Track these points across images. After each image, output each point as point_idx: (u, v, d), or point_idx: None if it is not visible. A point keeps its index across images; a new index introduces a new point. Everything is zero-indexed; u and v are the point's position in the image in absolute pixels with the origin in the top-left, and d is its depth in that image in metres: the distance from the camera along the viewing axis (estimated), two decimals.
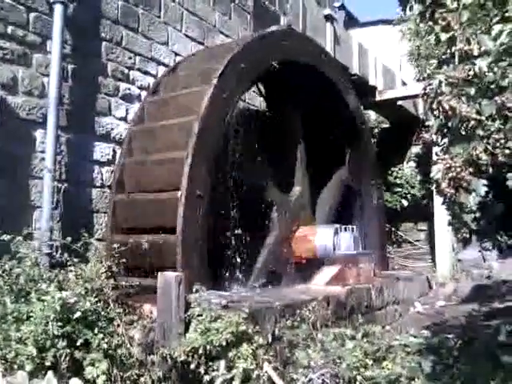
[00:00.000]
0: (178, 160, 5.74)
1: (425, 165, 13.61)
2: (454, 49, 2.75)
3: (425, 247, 14.45)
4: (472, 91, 2.67)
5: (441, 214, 10.44)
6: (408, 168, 15.56)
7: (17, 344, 4.02)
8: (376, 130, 15.49)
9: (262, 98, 9.02)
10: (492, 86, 2.63)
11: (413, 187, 14.97)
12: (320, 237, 7.64)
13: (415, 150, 15.61)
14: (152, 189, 6.03)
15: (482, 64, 2.63)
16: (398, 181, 15.01)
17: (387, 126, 15.92)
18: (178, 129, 6.12)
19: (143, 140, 6.54)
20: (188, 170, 5.62)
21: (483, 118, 2.63)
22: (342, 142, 9.05)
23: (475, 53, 2.69)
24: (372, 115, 15.77)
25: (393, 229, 14.63)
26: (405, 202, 14.76)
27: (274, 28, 7.73)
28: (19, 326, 4.13)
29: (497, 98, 2.59)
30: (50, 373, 3.74)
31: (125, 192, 6.32)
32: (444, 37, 2.79)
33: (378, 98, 14.01)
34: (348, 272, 7.66)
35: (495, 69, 2.62)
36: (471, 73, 2.68)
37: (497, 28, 2.65)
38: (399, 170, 15.31)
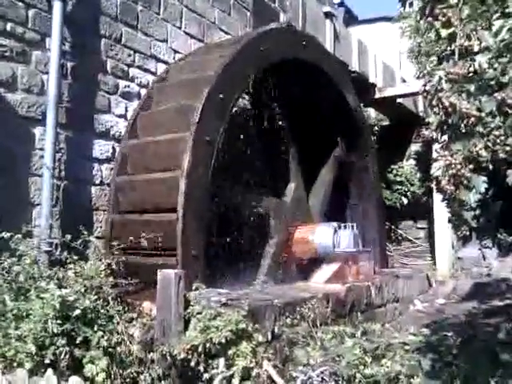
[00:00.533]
0: (170, 223, 5.45)
1: (424, 162, 13.60)
2: (454, 45, 2.73)
3: (424, 245, 14.47)
4: (472, 88, 2.66)
5: (440, 212, 10.44)
6: (408, 166, 15.55)
7: (16, 342, 4.01)
8: (376, 128, 15.47)
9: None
10: (492, 83, 2.62)
11: (412, 185, 14.97)
12: (319, 236, 7.63)
13: (415, 147, 15.62)
14: (144, 252, 5.72)
15: (482, 60, 2.61)
16: (397, 178, 14.99)
17: (387, 123, 15.90)
18: (161, 184, 5.80)
19: (128, 195, 6.22)
20: (180, 234, 5.34)
21: (483, 114, 2.62)
22: (340, 138, 9.03)
23: (475, 49, 2.68)
24: (372, 113, 15.74)
25: (392, 226, 14.64)
26: (404, 200, 14.75)
27: (273, 25, 7.70)
28: (19, 324, 4.13)
29: (497, 94, 2.57)
30: (49, 370, 3.73)
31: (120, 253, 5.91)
32: (444, 33, 2.78)
33: (377, 95, 13.99)
34: (347, 270, 7.65)
35: (495, 65, 2.60)
36: (471, 69, 2.67)
37: (497, 24, 2.63)
38: (399, 167, 15.30)
